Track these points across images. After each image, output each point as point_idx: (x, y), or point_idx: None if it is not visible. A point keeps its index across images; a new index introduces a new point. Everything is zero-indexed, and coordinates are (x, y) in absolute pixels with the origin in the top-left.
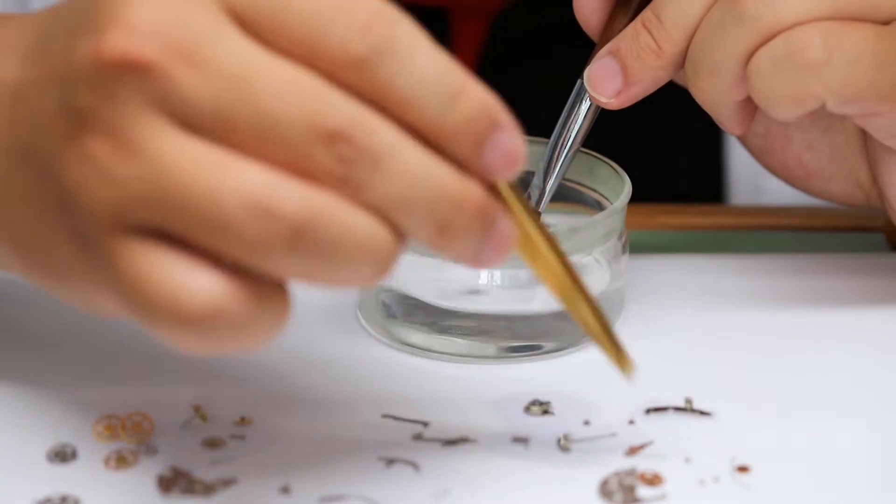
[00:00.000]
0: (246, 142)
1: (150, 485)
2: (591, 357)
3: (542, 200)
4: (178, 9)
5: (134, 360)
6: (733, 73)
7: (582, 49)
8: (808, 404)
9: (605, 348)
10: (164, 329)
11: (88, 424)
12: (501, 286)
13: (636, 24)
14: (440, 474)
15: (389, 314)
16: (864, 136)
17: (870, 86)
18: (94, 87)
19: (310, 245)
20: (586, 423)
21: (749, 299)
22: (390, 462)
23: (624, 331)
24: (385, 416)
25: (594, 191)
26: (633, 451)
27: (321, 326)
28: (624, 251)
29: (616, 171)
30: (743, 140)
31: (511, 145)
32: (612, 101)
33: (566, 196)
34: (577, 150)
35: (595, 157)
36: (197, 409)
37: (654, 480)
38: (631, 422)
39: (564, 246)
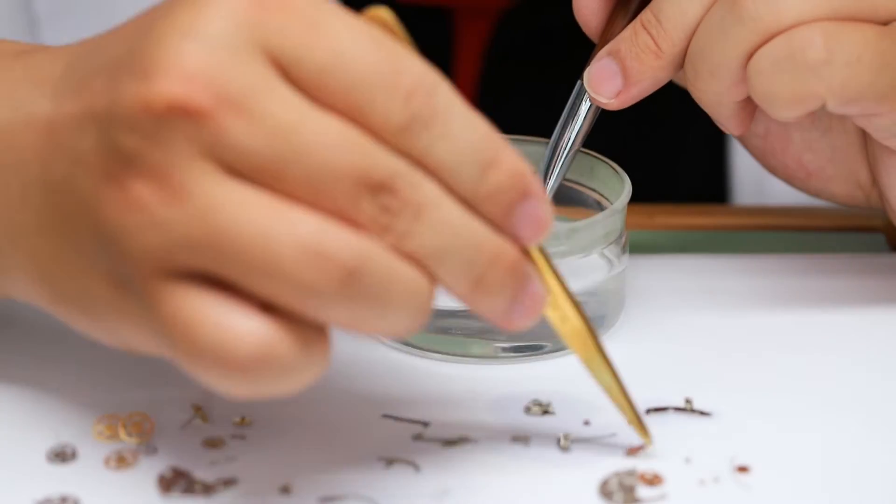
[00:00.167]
0: (293, 190)
1: (150, 485)
2: None
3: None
4: (228, 58)
5: (134, 360)
6: (733, 73)
7: (585, 49)
8: (808, 404)
9: (627, 413)
10: (209, 373)
11: (88, 424)
12: None
13: (635, 24)
14: (440, 474)
15: None
16: (864, 136)
17: (870, 86)
18: (142, 130)
19: (359, 290)
20: (586, 423)
21: (749, 299)
22: (390, 462)
23: (624, 331)
24: (385, 416)
25: (594, 191)
26: (632, 451)
27: None
28: (624, 251)
29: (616, 171)
30: (743, 141)
31: (539, 213)
32: (612, 101)
33: (566, 196)
34: (578, 151)
35: (595, 157)
36: (197, 409)
37: (654, 480)
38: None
39: (564, 246)
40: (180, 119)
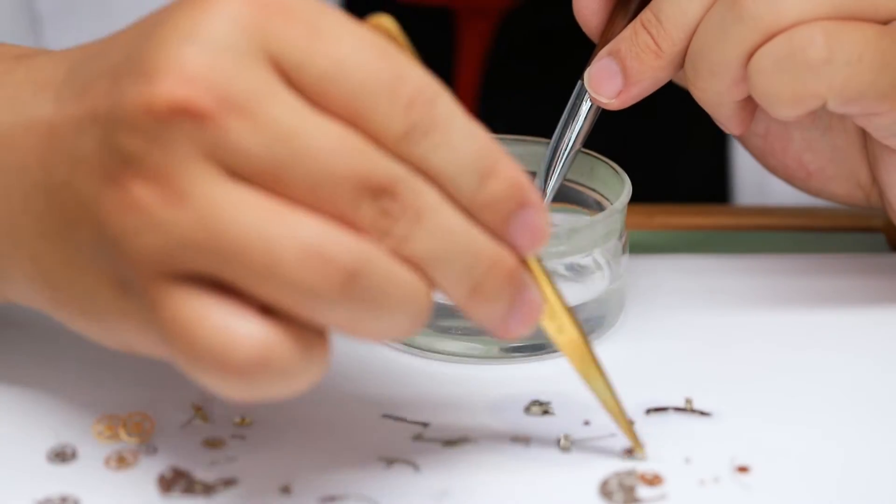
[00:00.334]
0: (294, 194)
1: (150, 485)
2: None
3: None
4: (230, 61)
5: (134, 360)
6: (734, 72)
7: (586, 50)
8: (808, 404)
9: (621, 424)
10: (209, 376)
11: (88, 424)
12: None
13: (636, 24)
14: (440, 474)
15: None
16: (864, 136)
17: (871, 85)
18: (143, 132)
19: (359, 293)
20: (586, 423)
21: (749, 299)
22: (390, 462)
23: (624, 331)
24: (385, 416)
25: (594, 191)
26: (627, 453)
27: None
28: (624, 251)
29: (616, 171)
30: (743, 140)
31: (537, 223)
32: (613, 101)
33: (566, 196)
34: (579, 151)
35: (595, 157)
36: (197, 409)
37: (654, 480)
38: (631, 422)
39: (564, 246)
40: (182, 121)
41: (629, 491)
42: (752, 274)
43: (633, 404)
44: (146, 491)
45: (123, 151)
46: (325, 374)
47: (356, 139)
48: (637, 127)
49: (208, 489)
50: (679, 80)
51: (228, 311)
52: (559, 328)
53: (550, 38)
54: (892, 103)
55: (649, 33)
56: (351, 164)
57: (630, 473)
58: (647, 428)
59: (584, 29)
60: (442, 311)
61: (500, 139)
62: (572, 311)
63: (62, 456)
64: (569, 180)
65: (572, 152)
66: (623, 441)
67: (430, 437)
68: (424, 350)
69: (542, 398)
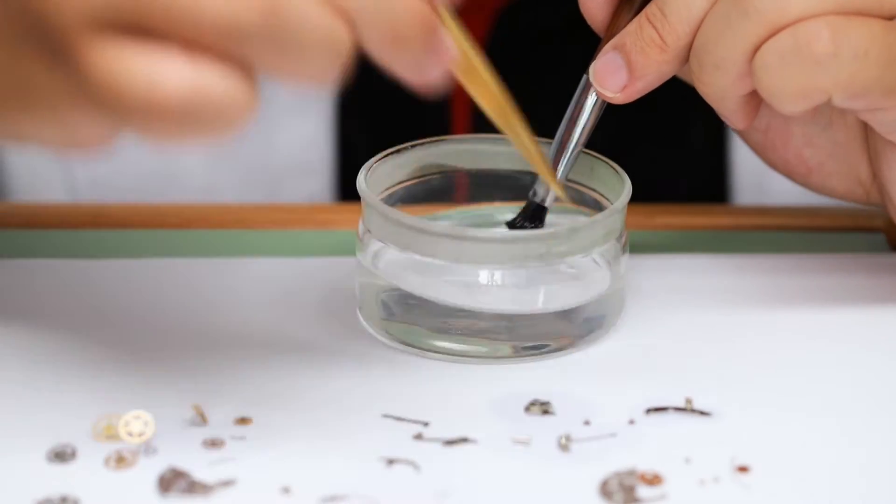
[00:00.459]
0: None
1: (150, 485)
2: (591, 357)
3: (548, 198)
4: None
5: (134, 360)
6: (739, 67)
7: (584, 45)
8: (808, 404)
9: (540, 169)
10: (141, 120)
11: (88, 424)
12: (502, 286)
13: (641, 18)
14: (440, 474)
15: (389, 314)
16: (865, 132)
17: (877, 80)
18: None
19: (279, 25)
20: (586, 423)
21: (749, 299)
22: (390, 462)
23: (624, 331)
24: (385, 416)
25: (594, 191)
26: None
27: (321, 326)
28: (624, 251)
29: (616, 171)
30: (743, 135)
31: None
32: (618, 95)
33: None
34: (584, 145)
35: (595, 156)
36: (197, 409)
37: (654, 480)
38: (631, 422)
39: (564, 246)
40: None
41: (629, 491)
42: (752, 274)
43: (633, 404)
44: (146, 491)
45: None
46: (255, 111)
47: None
48: (636, 126)
49: (208, 489)
50: (683, 75)
51: (157, 55)
52: (473, 78)
53: (546, 35)
54: None
55: (654, 28)
56: None
57: (630, 473)
58: (647, 428)
59: (590, 23)
60: (443, 311)
61: (500, 139)
62: (488, 64)
63: (62, 456)
64: (569, 180)
65: (578, 147)
66: (623, 441)
67: (430, 437)
68: (424, 350)
69: (542, 398)
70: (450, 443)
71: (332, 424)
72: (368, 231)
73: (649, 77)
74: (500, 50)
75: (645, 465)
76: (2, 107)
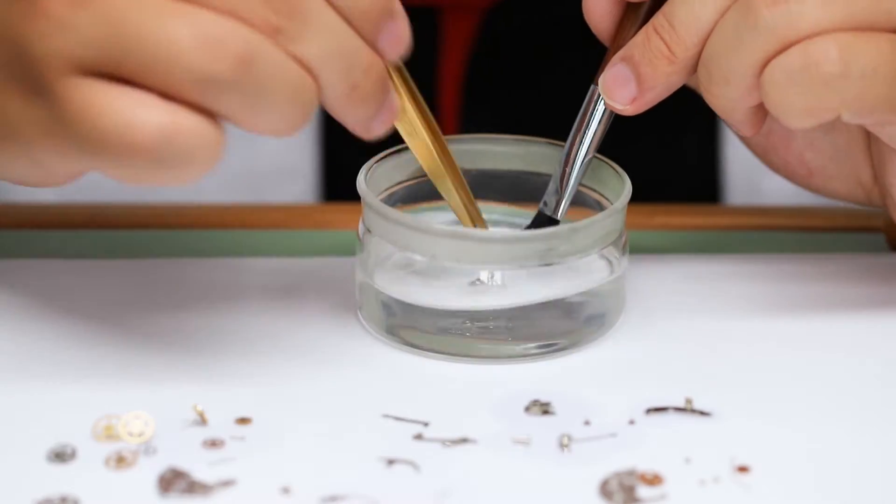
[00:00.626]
0: None
1: (150, 485)
2: (591, 357)
3: (558, 208)
4: None
5: (134, 360)
6: (748, 80)
7: (571, 44)
8: (808, 404)
9: (464, 221)
10: (115, 159)
11: (88, 424)
12: (502, 286)
13: (648, 29)
14: (440, 474)
15: (389, 314)
16: (867, 136)
17: (886, 99)
18: None
19: (252, 78)
20: (586, 423)
21: (749, 300)
22: (390, 462)
23: (624, 331)
24: (385, 416)
25: (594, 191)
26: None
27: (321, 326)
28: (624, 251)
29: (616, 171)
30: (745, 139)
31: (402, 32)
32: (628, 107)
33: None
34: (593, 157)
35: (595, 157)
36: (197, 409)
37: (654, 480)
38: (631, 422)
39: (564, 247)
40: None
41: (629, 491)
42: (751, 274)
43: (633, 404)
44: (146, 491)
45: None
46: (222, 156)
47: None
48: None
49: (208, 489)
50: (691, 84)
51: (132, 97)
52: (411, 131)
53: (534, 34)
54: None
55: (662, 39)
56: None
57: (630, 473)
58: (647, 428)
59: (596, 33)
60: (443, 312)
61: (500, 139)
62: (427, 117)
63: (62, 456)
64: None
65: (587, 158)
66: (623, 441)
67: (430, 437)
68: (424, 350)
69: (542, 398)
70: (449, 443)
71: (332, 424)
72: (368, 231)
73: (658, 88)
74: (489, 48)
75: (645, 465)
76: None
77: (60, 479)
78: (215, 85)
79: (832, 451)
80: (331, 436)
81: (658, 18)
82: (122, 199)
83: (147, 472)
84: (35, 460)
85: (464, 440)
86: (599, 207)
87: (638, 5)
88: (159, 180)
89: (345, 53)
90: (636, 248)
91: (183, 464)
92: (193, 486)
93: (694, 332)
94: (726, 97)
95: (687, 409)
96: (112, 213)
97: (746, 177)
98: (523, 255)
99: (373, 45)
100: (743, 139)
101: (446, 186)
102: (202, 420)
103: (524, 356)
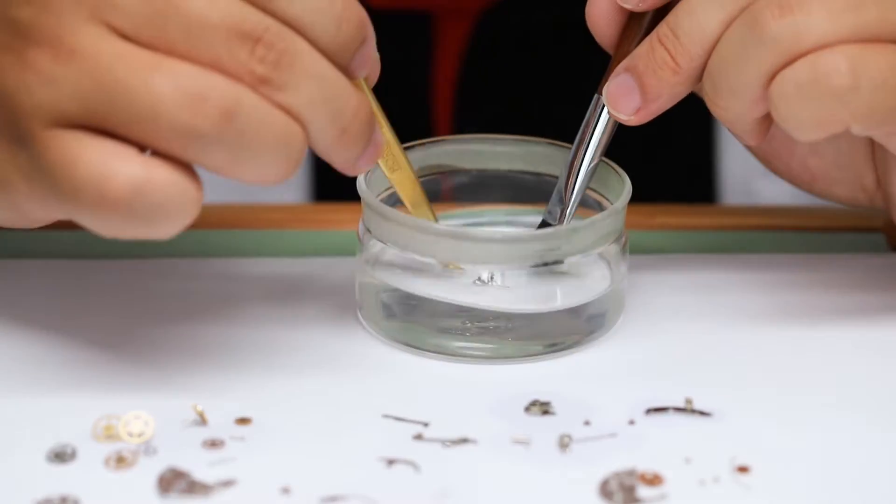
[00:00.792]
0: (174, 45)
1: (150, 485)
2: (591, 357)
3: (563, 218)
4: None
5: (134, 360)
6: (754, 93)
7: (564, 48)
8: (808, 404)
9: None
10: (89, 210)
11: (88, 424)
12: (502, 286)
13: (652, 39)
14: (440, 474)
15: (389, 314)
16: (871, 142)
17: (895, 110)
18: (34, 2)
19: (235, 131)
20: (586, 423)
21: (749, 300)
22: (390, 462)
23: (624, 331)
24: (385, 416)
25: (594, 191)
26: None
27: (321, 326)
28: (624, 251)
29: (616, 171)
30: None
31: (373, 54)
32: (632, 118)
33: None
34: (598, 165)
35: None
36: (197, 409)
37: (654, 480)
38: (631, 422)
39: (564, 247)
40: None
41: (629, 491)
42: (751, 274)
43: (633, 404)
44: (146, 491)
45: (17, 22)
46: (197, 210)
47: None
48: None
49: (208, 489)
50: (697, 92)
51: (109, 149)
52: (393, 166)
53: (527, 38)
54: None
55: (666, 49)
56: (221, 14)
57: (630, 473)
58: (647, 428)
59: (598, 41)
60: (443, 311)
61: (500, 139)
62: (404, 150)
63: (62, 456)
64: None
65: (591, 167)
66: (623, 441)
67: (430, 437)
68: (424, 350)
69: (542, 398)
70: (449, 443)
71: (332, 424)
72: (368, 231)
73: (663, 99)
74: (482, 52)
75: (645, 465)
76: None
77: (60, 479)
78: (199, 139)
79: (832, 451)
80: (331, 436)
81: (662, 28)
82: None
83: (147, 472)
84: (35, 460)
85: (464, 440)
86: (599, 207)
87: (641, 14)
88: (134, 233)
89: (333, 98)
90: (636, 248)
91: (183, 464)
92: (193, 486)
93: (694, 332)
94: (732, 109)
95: (687, 409)
96: None
97: (742, 179)
98: (523, 255)
99: (345, 70)
100: (746, 145)
101: (425, 213)
102: (202, 420)
103: (524, 356)
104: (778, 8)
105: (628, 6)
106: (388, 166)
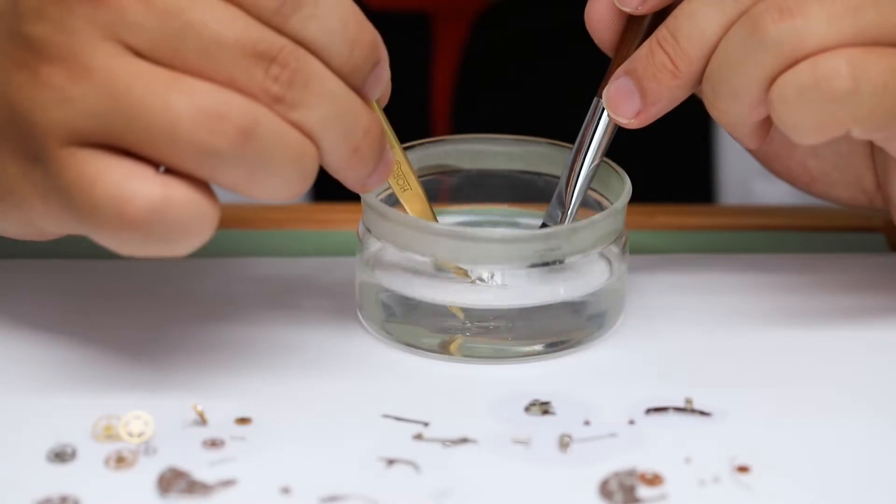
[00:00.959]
0: (190, 64)
1: (150, 485)
2: (591, 357)
3: (563, 221)
4: None
5: (134, 361)
6: (755, 96)
7: (562, 50)
8: (807, 404)
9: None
10: (107, 230)
11: (88, 424)
12: (502, 286)
13: (651, 42)
14: (440, 474)
15: (389, 314)
16: (870, 144)
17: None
18: (48, 18)
19: (253, 149)
20: (586, 423)
21: (748, 300)
22: (390, 462)
23: (624, 331)
24: (385, 416)
25: (594, 191)
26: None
27: (321, 326)
28: (624, 251)
29: (616, 171)
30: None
31: (386, 76)
32: (632, 121)
33: None
34: (598, 167)
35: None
36: (197, 409)
37: (654, 480)
38: (631, 422)
39: (564, 247)
40: (82, 5)
41: (629, 491)
42: (751, 274)
43: (633, 404)
44: (146, 491)
45: (31, 39)
46: (214, 229)
47: (239, 12)
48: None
49: (208, 489)
50: (698, 94)
51: (126, 168)
52: (403, 185)
53: (525, 40)
54: None
55: (666, 52)
56: (237, 33)
57: (630, 473)
58: (647, 428)
59: (598, 44)
60: (443, 311)
61: (500, 139)
62: (414, 170)
63: (62, 456)
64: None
65: (591, 171)
66: (623, 441)
67: (430, 437)
68: (424, 350)
69: (542, 398)
70: (449, 443)
71: (332, 424)
72: (368, 231)
73: (663, 102)
74: (480, 54)
75: (645, 465)
76: None
77: (60, 479)
78: (217, 158)
79: (832, 451)
80: (331, 436)
81: (662, 32)
82: None
83: (147, 472)
84: (35, 460)
85: (464, 440)
86: (599, 207)
87: (640, 17)
88: (152, 251)
89: (345, 117)
90: (636, 248)
91: (183, 464)
92: (193, 486)
93: (694, 332)
94: (732, 112)
95: (687, 409)
96: None
97: (741, 179)
98: (523, 255)
99: (358, 91)
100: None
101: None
102: (202, 420)
103: (524, 356)
104: (778, 12)
105: (627, 9)
106: (398, 185)
